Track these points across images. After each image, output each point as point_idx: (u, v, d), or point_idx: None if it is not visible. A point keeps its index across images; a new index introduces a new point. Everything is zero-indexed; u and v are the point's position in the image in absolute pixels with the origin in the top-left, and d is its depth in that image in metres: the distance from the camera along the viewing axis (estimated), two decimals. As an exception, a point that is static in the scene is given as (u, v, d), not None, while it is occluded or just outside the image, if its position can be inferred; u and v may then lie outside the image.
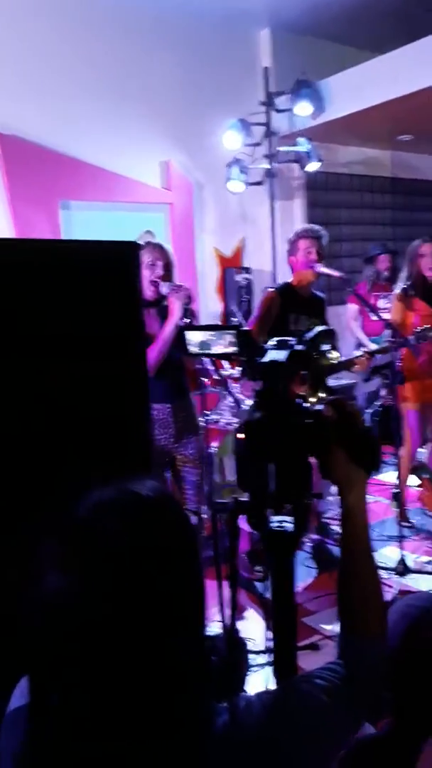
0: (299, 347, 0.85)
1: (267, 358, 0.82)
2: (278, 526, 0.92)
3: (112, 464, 1.25)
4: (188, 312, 2.78)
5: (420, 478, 4.13)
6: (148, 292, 2.82)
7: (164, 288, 2.81)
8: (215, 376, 3.93)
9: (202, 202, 5.34)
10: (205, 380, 4.21)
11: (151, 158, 4.98)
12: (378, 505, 4.41)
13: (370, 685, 0.91)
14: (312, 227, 3.68)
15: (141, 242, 2.93)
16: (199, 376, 3.59)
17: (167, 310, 2.82)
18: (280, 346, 0.85)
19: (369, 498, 3.63)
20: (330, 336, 0.91)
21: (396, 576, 3.40)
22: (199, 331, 2.10)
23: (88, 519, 0.75)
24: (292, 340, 0.87)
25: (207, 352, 2.04)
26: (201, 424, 3.29)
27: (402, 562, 3.43)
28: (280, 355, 0.82)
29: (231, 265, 5.50)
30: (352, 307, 5.55)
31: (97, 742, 0.70)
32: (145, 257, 2.82)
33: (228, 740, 0.75)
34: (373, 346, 3.86)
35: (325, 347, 0.89)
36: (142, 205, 4.92)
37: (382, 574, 3.36)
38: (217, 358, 2.43)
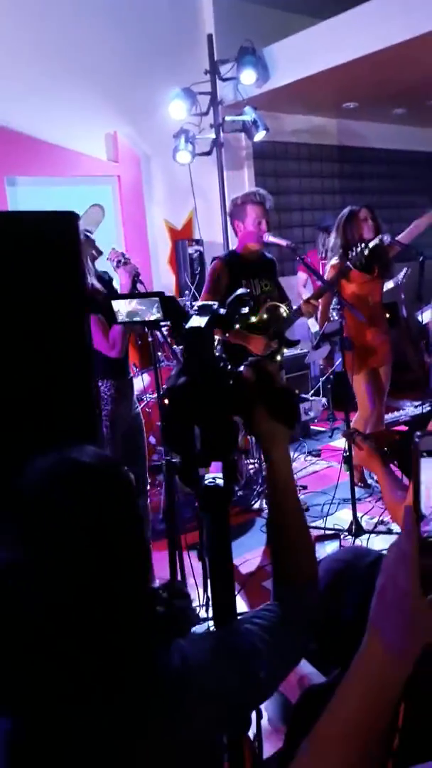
0: (221, 311, 0.89)
1: (188, 324, 0.85)
2: (211, 482, 0.97)
3: (58, 434, 1.27)
4: (137, 285, 2.77)
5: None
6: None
7: (112, 261, 2.79)
8: (170, 350, 3.95)
9: (150, 174, 5.30)
10: (160, 354, 4.24)
11: (96, 130, 4.90)
12: (332, 469, 4.54)
13: (305, 625, 0.98)
14: (259, 191, 3.58)
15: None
16: (154, 349, 3.59)
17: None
18: (201, 311, 0.89)
19: (323, 463, 3.70)
20: (246, 298, 0.95)
21: (350, 537, 3.52)
22: (125, 299, 2.11)
23: (32, 490, 0.77)
24: (214, 304, 0.91)
25: (135, 320, 2.05)
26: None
27: (355, 522, 3.55)
28: (201, 321, 0.86)
29: (182, 237, 5.48)
30: (302, 276, 5.63)
31: (58, 696, 0.74)
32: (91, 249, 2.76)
33: (179, 677, 0.79)
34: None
35: (244, 310, 0.93)
36: (90, 178, 4.86)
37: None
38: (144, 326, 2.45)
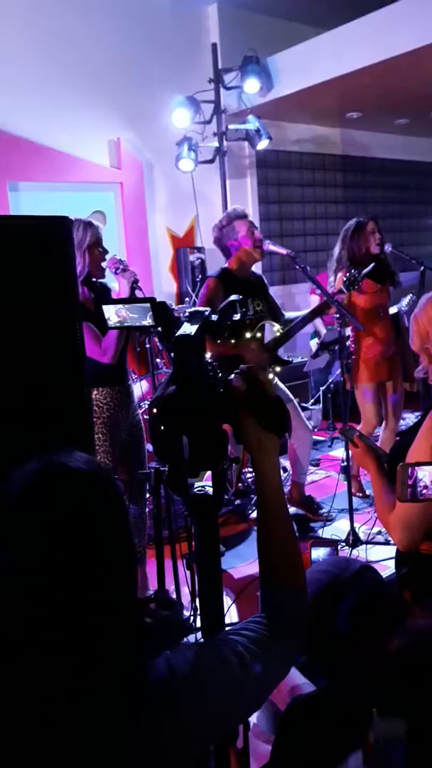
0: (213, 317, 0.88)
1: (179, 332, 0.84)
2: (200, 491, 0.96)
3: (49, 440, 1.26)
4: (135, 291, 2.76)
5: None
6: (99, 272, 2.80)
7: (111, 268, 2.78)
8: (169, 357, 3.94)
9: (153, 181, 5.31)
10: (159, 360, 4.24)
11: (99, 137, 4.92)
12: (330, 479, 4.51)
13: (293, 635, 0.96)
14: (235, 208, 3.65)
15: (73, 221, 2.86)
16: (152, 356, 3.58)
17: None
18: (192, 318, 0.88)
19: (321, 473, 3.66)
20: (238, 304, 0.94)
21: (347, 547, 3.49)
22: (116, 305, 2.11)
23: (17, 494, 0.76)
24: (206, 310, 0.90)
25: (126, 325, 2.06)
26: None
27: (353, 533, 3.52)
28: (192, 328, 0.85)
29: (184, 244, 5.48)
30: (314, 298, 5.63)
31: (37, 700, 0.73)
32: (88, 238, 2.75)
33: (165, 687, 0.78)
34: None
35: (236, 316, 0.92)
36: (92, 184, 4.87)
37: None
38: (135, 330, 2.45)
